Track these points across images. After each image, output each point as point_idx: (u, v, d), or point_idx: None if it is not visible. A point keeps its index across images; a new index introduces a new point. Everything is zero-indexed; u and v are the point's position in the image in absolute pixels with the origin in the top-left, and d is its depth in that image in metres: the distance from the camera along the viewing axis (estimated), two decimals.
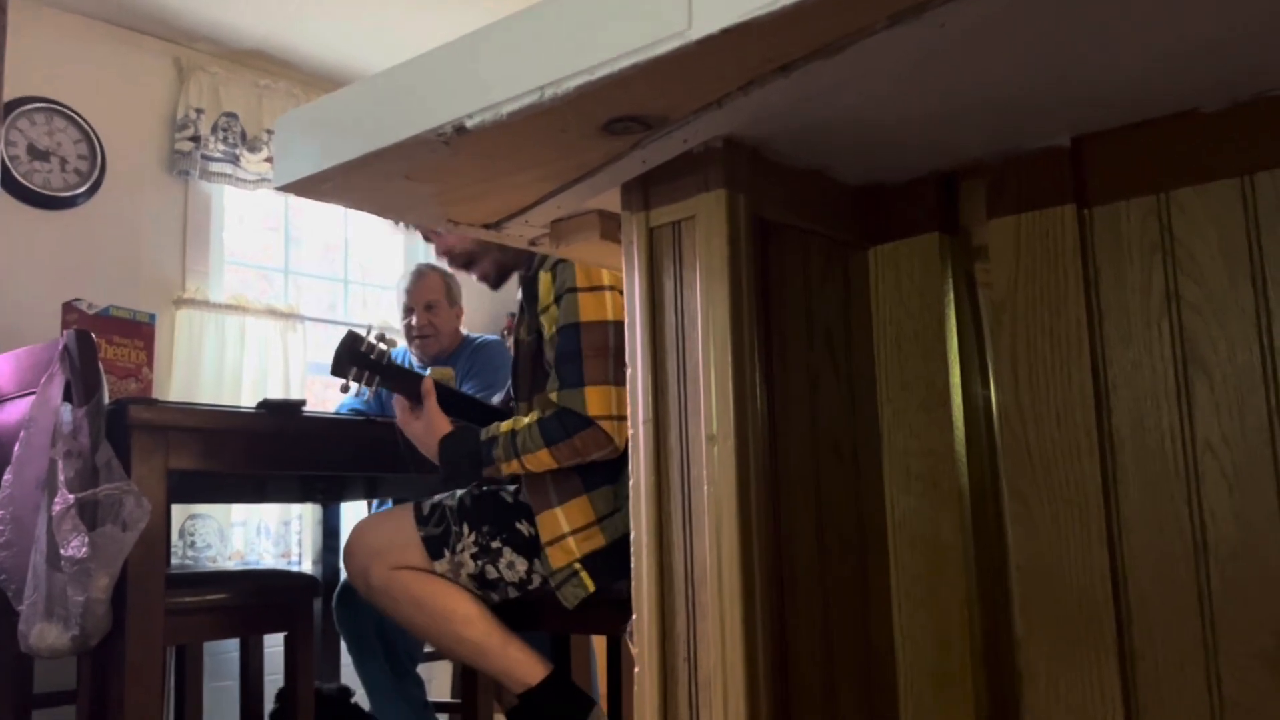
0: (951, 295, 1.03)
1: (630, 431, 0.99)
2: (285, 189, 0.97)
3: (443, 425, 2.14)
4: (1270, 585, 0.86)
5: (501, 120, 0.81)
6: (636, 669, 0.96)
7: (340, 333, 2.25)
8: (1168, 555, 0.90)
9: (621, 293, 2.05)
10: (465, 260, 2.33)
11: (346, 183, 0.95)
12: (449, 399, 2.23)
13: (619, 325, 2.02)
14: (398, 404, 2.21)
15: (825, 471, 1.01)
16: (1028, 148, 0.97)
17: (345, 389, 2.24)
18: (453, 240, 2.31)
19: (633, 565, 0.97)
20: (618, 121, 0.85)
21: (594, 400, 1.97)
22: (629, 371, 1.00)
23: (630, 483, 0.98)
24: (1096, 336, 0.93)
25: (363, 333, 2.22)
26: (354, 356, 2.19)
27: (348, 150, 0.90)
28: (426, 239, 2.44)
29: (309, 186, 0.96)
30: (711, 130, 0.90)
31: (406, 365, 3.51)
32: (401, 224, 2.50)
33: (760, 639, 0.89)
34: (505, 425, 2.07)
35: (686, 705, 0.91)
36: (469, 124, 0.82)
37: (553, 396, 2.01)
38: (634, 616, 0.97)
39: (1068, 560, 0.92)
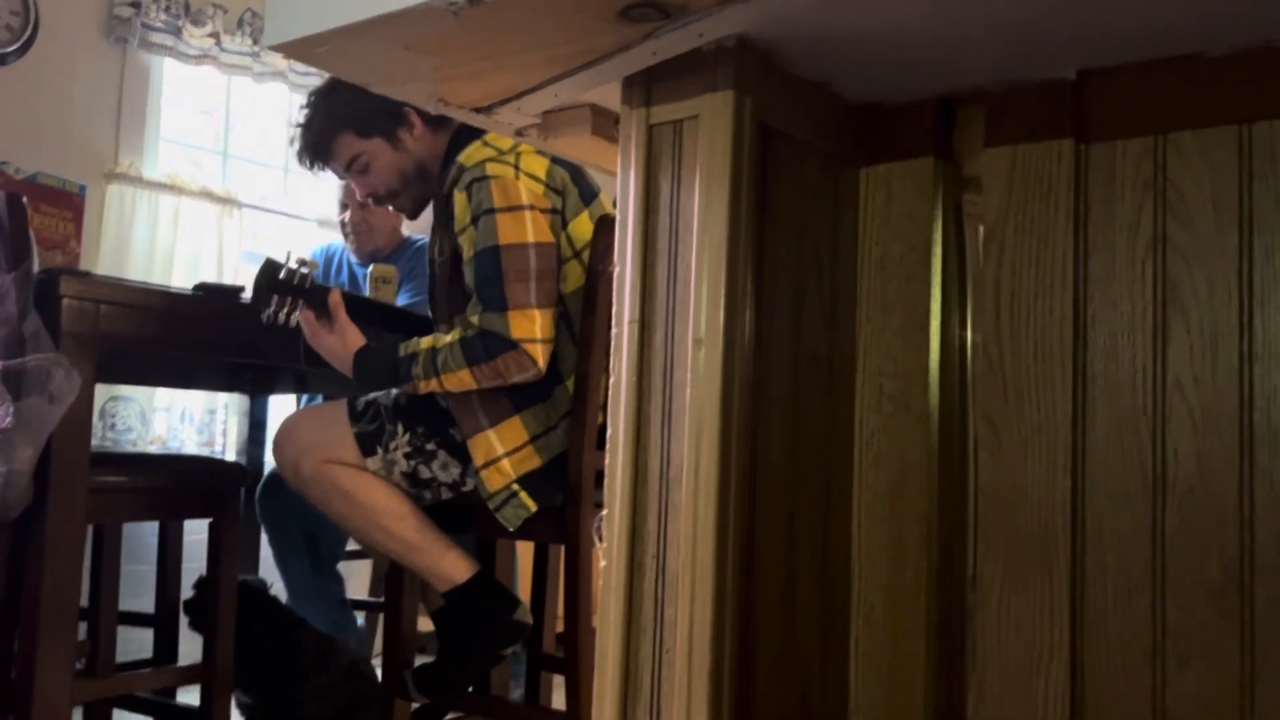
0: (940, 221, 1.04)
1: (614, 330, 0.99)
2: (277, 49, 0.93)
3: (356, 339, 2.07)
4: (1222, 521, 0.90)
5: None
6: (603, 563, 0.97)
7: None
8: (1127, 488, 0.93)
9: (542, 211, 2.01)
10: (389, 197, 2.29)
11: (342, 48, 0.92)
12: (359, 308, 2.16)
13: (540, 246, 1.98)
14: (303, 317, 2.11)
15: (802, 385, 1.02)
16: (1032, 78, 0.98)
17: (268, 319, 2.12)
18: (376, 182, 2.26)
19: (607, 462, 0.97)
20: (637, 7, 0.82)
21: (517, 324, 1.95)
22: (616, 270, 0.99)
23: (611, 381, 0.98)
24: (1081, 272, 0.95)
25: (281, 259, 2.11)
26: (274, 285, 2.08)
27: (349, 12, 0.86)
28: (344, 177, 2.38)
29: (302, 49, 0.92)
30: (728, 27, 0.88)
31: (345, 264, 3.43)
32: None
33: (730, 541, 0.91)
34: (426, 341, 2.02)
35: (652, 600, 0.93)
36: None
37: (474, 320, 1.97)
38: (604, 512, 0.98)
39: (1031, 487, 0.95)
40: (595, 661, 0.95)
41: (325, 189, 4.04)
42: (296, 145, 2.37)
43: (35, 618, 2.11)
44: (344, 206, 3.28)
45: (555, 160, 2.07)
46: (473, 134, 2.09)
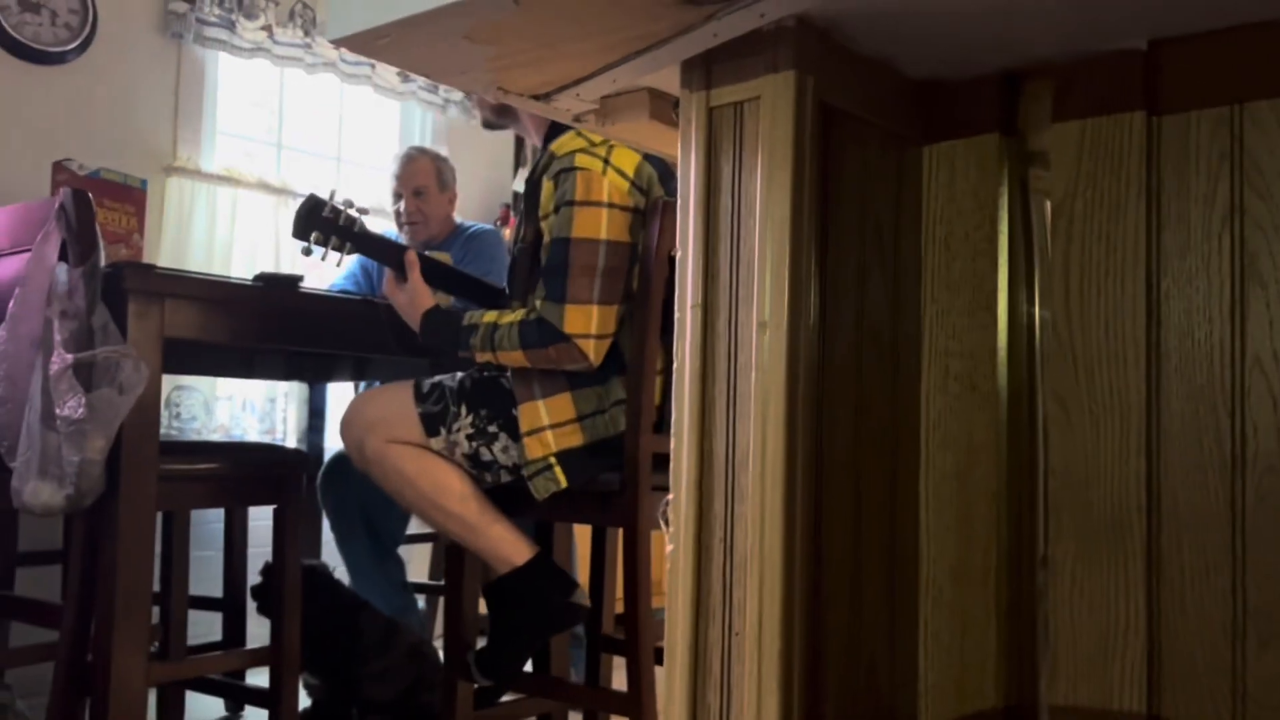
0: (1006, 198, 1.02)
1: (676, 315, 0.99)
2: (339, 43, 0.94)
3: (426, 299, 2.14)
4: None
5: None
6: (670, 547, 0.97)
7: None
8: (1204, 466, 0.91)
9: (622, 209, 2.03)
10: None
11: (403, 39, 0.92)
12: (434, 272, 2.21)
13: (612, 244, 2.02)
14: (385, 276, 2.21)
15: (867, 367, 1.01)
16: (1101, 49, 0.96)
17: (307, 253, 2.20)
18: None
19: (672, 447, 0.98)
20: None
21: (572, 318, 1.99)
22: (678, 254, 0.99)
23: (674, 365, 0.98)
24: (1153, 246, 0.93)
25: (325, 196, 2.17)
26: (315, 220, 2.15)
27: (412, 4, 0.87)
28: (396, 195, 2.42)
29: (364, 42, 0.93)
30: (789, 7, 0.87)
31: None
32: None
33: (799, 524, 0.91)
34: (490, 316, 2.07)
35: (720, 583, 0.93)
36: None
37: (536, 304, 2.02)
38: (669, 496, 0.98)
39: (1104, 465, 0.94)
40: (665, 644, 0.96)
41: (378, 178, 4.08)
42: None
43: (110, 602, 2.17)
44: (398, 196, 3.31)
45: (646, 157, 2.08)
46: None
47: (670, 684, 0.95)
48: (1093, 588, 0.94)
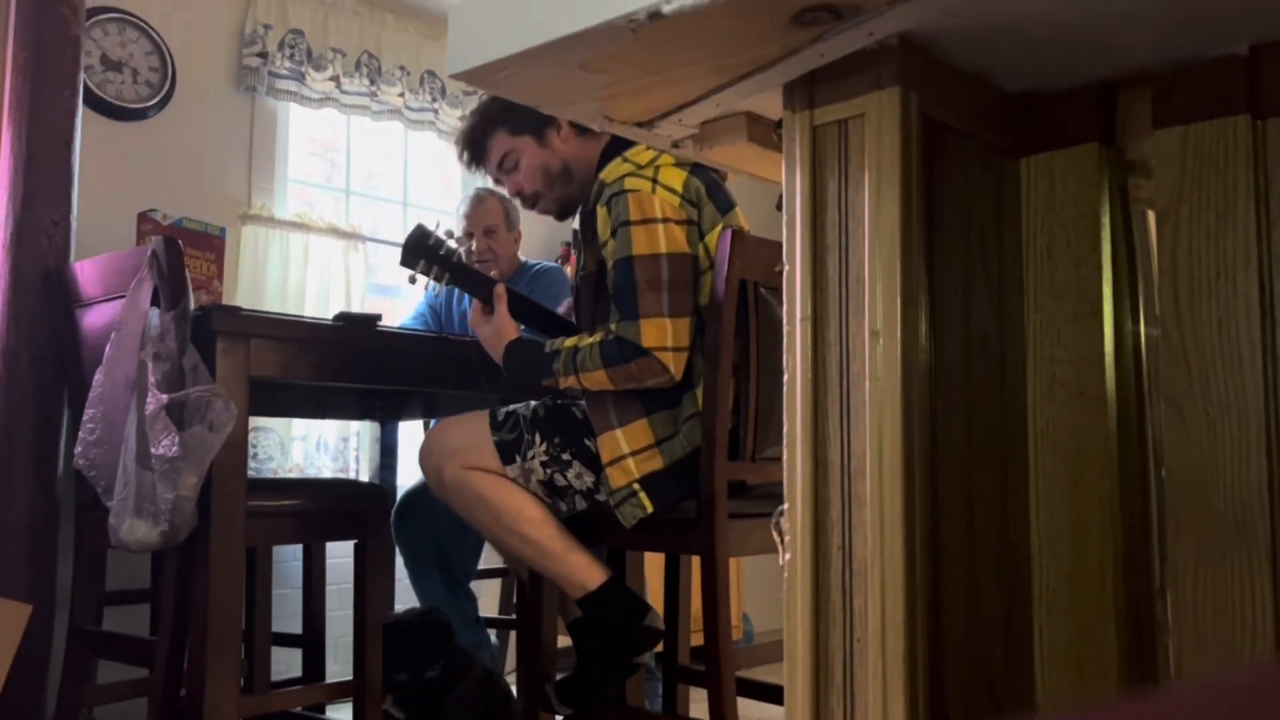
0: (1107, 206, 1.04)
1: (786, 328, 1.01)
2: (458, 77, 0.98)
3: (510, 330, 2.19)
4: None
5: (700, 6, 0.82)
6: (787, 555, 0.99)
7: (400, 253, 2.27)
8: None
9: (677, 223, 2.08)
10: (534, 197, 2.40)
11: (521, 71, 0.96)
12: (519, 306, 2.27)
13: (673, 257, 2.06)
14: (472, 306, 2.27)
15: (975, 375, 1.03)
16: (1200, 55, 0.97)
17: (413, 280, 2.28)
18: (523, 180, 2.37)
19: (785, 456, 0.99)
20: (811, 10, 0.85)
21: (649, 332, 2.02)
22: (785, 270, 1.01)
23: (785, 378, 1.00)
24: (1265, 246, 0.94)
25: (431, 226, 2.25)
26: (422, 249, 2.23)
27: (531, 36, 0.91)
28: (498, 181, 2.48)
29: (483, 75, 0.97)
30: (895, 25, 0.90)
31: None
32: (480, 172, 2.54)
33: (918, 529, 0.92)
34: (570, 341, 2.11)
35: (840, 590, 0.94)
36: (665, 9, 0.83)
37: (613, 326, 2.06)
38: (784, 506, 1.00)
39: (1223, 466, 0.94)
40: (784, 652, 0.97)
41: (444, 221, 4.16)
42: (459, 148, 2.51)
43: (203, 635, 2.22)
44: (468, 235, 3.39)
45: (692, 173, 2.14)
46: (621, 146, 2.18)
47: (792, 692, 0.96)
48: (1216, 589, 0.93)
